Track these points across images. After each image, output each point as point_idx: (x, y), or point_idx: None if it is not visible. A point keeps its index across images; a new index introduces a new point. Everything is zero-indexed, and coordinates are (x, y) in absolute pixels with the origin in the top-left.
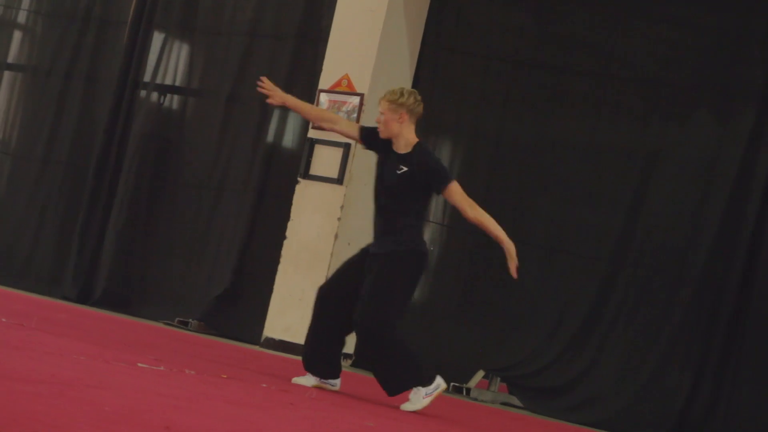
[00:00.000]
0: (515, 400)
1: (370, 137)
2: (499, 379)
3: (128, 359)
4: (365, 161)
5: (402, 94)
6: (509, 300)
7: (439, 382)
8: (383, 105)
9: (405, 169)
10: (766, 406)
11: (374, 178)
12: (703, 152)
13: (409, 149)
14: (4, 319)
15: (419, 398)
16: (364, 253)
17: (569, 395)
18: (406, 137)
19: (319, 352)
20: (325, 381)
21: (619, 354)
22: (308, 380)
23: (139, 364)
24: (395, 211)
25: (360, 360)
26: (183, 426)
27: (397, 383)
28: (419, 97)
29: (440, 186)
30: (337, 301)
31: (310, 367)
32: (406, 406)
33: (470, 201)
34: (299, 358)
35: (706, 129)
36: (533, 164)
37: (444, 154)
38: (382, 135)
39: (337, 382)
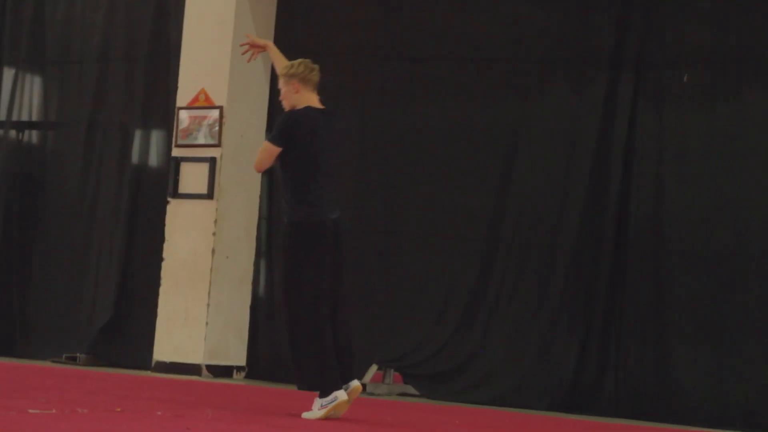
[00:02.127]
0: (411, 389)
1: None
2: (392, 370)
3: (18, 405)
4: (233, 174)
5: (292, 66)
6: (392, 290)
7: (337, 395)
8: (279, 82)
9: None
10: (653, 363)
11: None
12: (562, 124)
13: None
14: None
15: (316, 408)
16: None
17: (462, 377)
18: (302, 106)
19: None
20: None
21: (506, 331)
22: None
23: (30, 410)
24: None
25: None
26: None
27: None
28: (312, 65)
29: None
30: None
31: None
32: (306, 414)
33: (258, 159)
34: (191, 377)
35: (562, 100)
36: (399, 154)
37: None
38: (286, 109)
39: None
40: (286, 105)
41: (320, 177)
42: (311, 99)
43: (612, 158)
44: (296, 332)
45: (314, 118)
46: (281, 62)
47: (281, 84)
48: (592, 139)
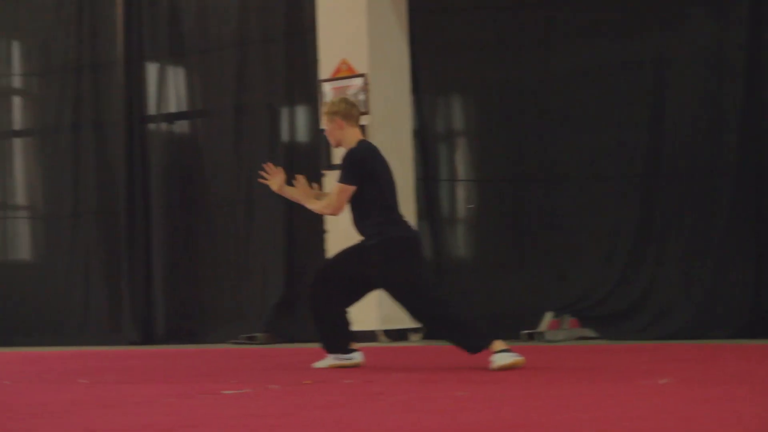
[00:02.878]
0: (589, 332)
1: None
2: (568, 315)
3: (212, 389)
4: (383, 138)
5: (333, 104)
6: (558, 237)
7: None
8: (323, 121)
9: None
10: None
11: None
12: (708, 48)
13: None
14: (84, 380)
15: (507, 356)
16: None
17: (639, 314)
18: (349, 141)
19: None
20: (344, 356)
21: (678, 263)
22: (326, 361)
23: (224, 392)
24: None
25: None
26: None
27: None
28: (352, 100)
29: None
30: (335, 281)
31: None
32: (495, 365)
33: (330, 203)
34: (368, 344)
35: (705, 25)
36: (547, 100)
37: (457, 111)
38: (334, 146)
39: (357, 354)
40: (333, 141)
41: (394, 198)
42: (356, 133)
43: (764, 79)
44: (445, 321)
45: (372, 148)
46: (308, 198)
47: (325, 123)
48: (740, 61)
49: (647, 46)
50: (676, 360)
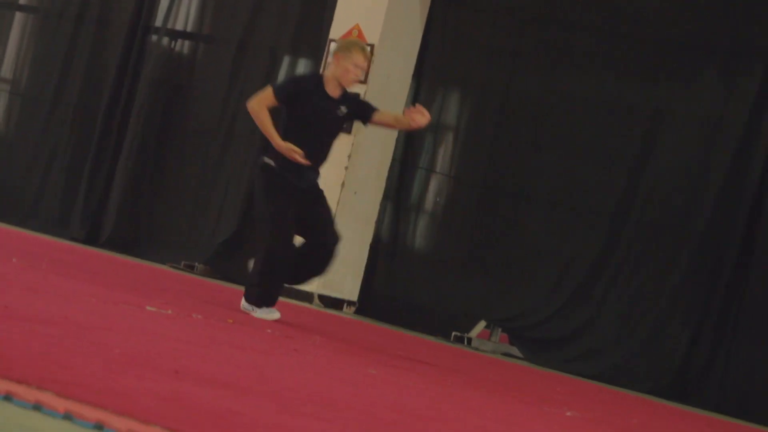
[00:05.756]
0: (515, 351)
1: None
2: (500, 329)
3: (137, 302)
4: None
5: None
6: (513, 252)
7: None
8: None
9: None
10: (763, 364)
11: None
12: (708, 111)
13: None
14: (15, 260)
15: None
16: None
17: (568, 347)
18: None
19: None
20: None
21: (619, 309)
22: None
23: (148, 308)
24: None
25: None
26: (191, 370)
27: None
28: None
29: None
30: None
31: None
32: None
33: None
34: (303, 304)
35: (712, 88)
36: (539, 119)
37: (452, 106)
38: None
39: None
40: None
41: None
42: None
43: (755, 154)
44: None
45: None
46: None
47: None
48: (737, 132)
49: (650, 94)
50: (591, 399)
